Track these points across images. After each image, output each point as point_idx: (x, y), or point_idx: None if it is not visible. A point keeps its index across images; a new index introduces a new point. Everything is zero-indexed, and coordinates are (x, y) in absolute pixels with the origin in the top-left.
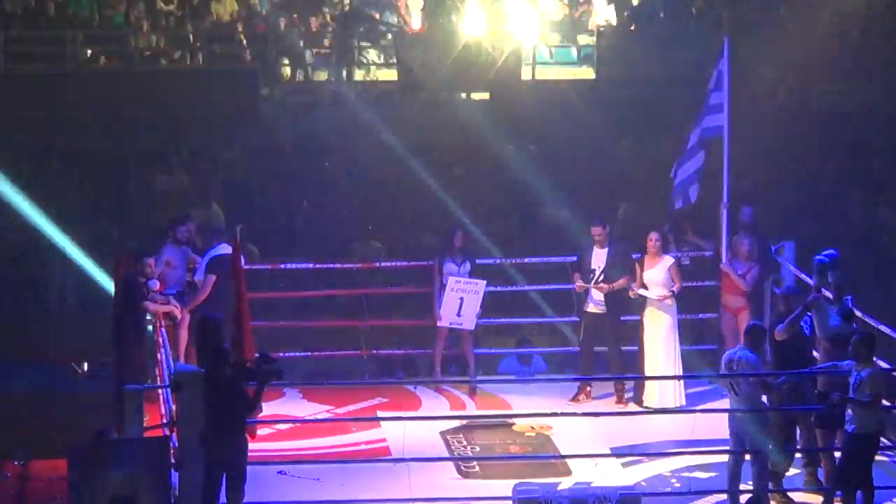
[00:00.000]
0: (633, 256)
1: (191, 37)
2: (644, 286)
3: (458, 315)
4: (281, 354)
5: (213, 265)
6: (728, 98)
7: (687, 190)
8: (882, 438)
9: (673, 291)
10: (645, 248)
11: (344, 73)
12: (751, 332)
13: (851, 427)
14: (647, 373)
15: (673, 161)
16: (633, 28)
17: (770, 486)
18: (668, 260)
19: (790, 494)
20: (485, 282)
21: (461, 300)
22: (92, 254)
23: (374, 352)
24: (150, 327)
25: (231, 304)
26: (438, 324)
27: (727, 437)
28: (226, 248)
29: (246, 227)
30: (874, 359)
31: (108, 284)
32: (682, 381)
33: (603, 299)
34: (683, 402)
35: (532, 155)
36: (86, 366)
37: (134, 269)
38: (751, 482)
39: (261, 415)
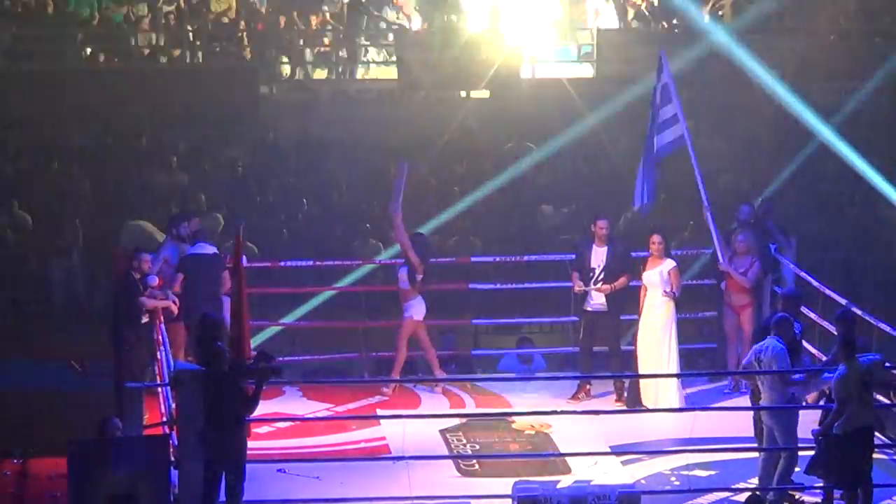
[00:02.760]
0: (633, 255)
1: (190, 35)
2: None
3: (396, 201)
4: (280, 359)
5: (182, 263)
6: (681, 106)
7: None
8: (881, 436)
9: (674, 293)
10: (647, 247)
11: (343, 71)
12: (780, 324)
13: (835, 427)
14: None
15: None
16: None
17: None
18: (669, 263)
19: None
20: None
21: (400, 183)
22: (92, 251)
23: (373, 355)
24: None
25: (220, 302)
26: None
27: (726, 435)
28: (203, 248)
29: (245, 224)
30: (857, 357)
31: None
32: (680, 384)
33: (603, 298)
34: (682, 403)
35: (531, 153)
36: (86, 363)
37: (129, 266)
38: (752, 480)
39: (260, 412)
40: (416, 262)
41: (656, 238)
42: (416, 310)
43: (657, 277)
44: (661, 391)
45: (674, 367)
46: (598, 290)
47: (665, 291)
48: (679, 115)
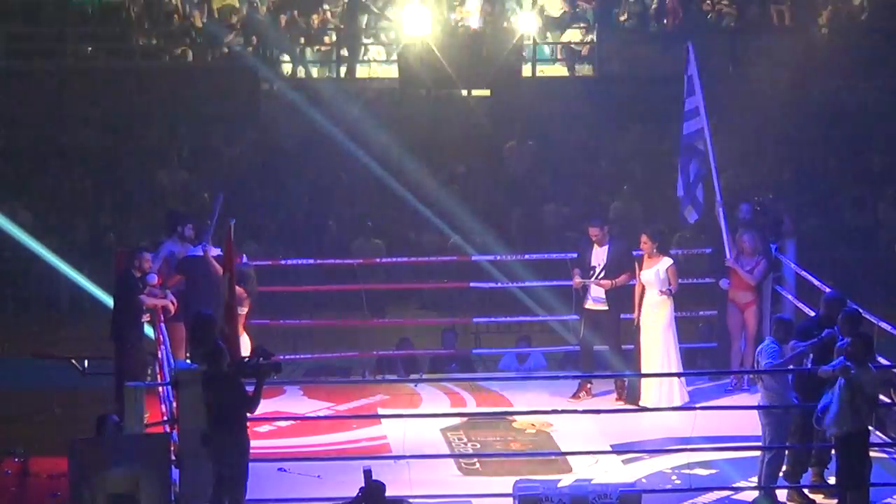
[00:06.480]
0: (634, 254)
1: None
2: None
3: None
4: (281, 358)
5: (181, 264)
6: (703, 100)
7: (694, 200)
8: (882, 435)
9: (670, 290)
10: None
11: (344, 69)
12: (778, 324)
13: (833, 429)
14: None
15: (675, 162)
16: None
17: (788, 484)
18: (667, 261)
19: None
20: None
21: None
22: (92, 251)
23: (374, 353)
24: (146, 323)
25: (220, 302)
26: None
27: (727, 434)
28: (206, 249)
29: (246, 223)
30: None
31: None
32: (683, 381)
33: (604, 296)
34: (686, 400)
35: (532, 152)
36: (86, 362)
37: (130, 265)
38: (753, 479)
39: (261, 411)
40: (243, 294)
41: (643, 237)
42: (245, 348)
43: (654, 276)
44: (665, 391)
45: (677, 367)
46: (599, 284)
47: (661, 290)
48: (700, 109)
